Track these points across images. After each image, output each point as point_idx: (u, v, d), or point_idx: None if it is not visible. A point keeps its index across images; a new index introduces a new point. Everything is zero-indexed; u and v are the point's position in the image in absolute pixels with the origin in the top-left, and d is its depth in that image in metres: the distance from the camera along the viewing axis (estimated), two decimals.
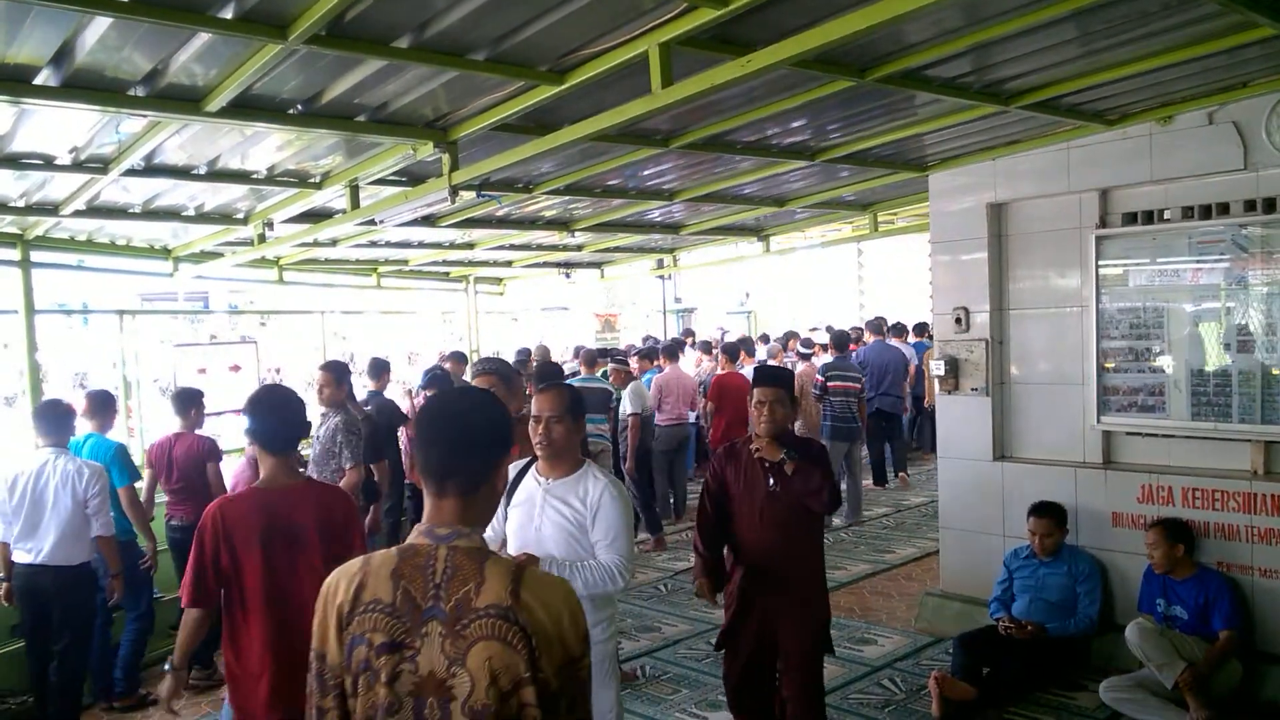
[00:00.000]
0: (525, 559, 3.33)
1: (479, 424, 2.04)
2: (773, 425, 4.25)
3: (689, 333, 15.71)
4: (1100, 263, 5.74)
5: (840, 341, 10.61)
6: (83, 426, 6.01)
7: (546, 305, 15.57)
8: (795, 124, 5.51)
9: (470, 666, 1.84)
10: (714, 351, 13.24)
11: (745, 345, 11.67)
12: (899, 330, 13.08)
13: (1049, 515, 5.69)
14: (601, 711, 3.55)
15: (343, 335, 13.11)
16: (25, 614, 5.49)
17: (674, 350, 10.76)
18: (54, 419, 5.50)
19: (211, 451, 6.35)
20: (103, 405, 6.16)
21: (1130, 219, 5.70)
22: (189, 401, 6.45)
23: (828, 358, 10.87)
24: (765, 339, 15.00)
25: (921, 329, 13.78)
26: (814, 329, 16.61)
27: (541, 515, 3.58)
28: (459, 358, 10.08)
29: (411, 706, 1.86)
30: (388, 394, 8.52)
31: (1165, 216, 5.57)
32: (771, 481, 4.25)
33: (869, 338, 12.05)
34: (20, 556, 5.35)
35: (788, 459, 4.17)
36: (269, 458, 3.46)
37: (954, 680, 5.22)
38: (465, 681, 1.84)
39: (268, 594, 3.30)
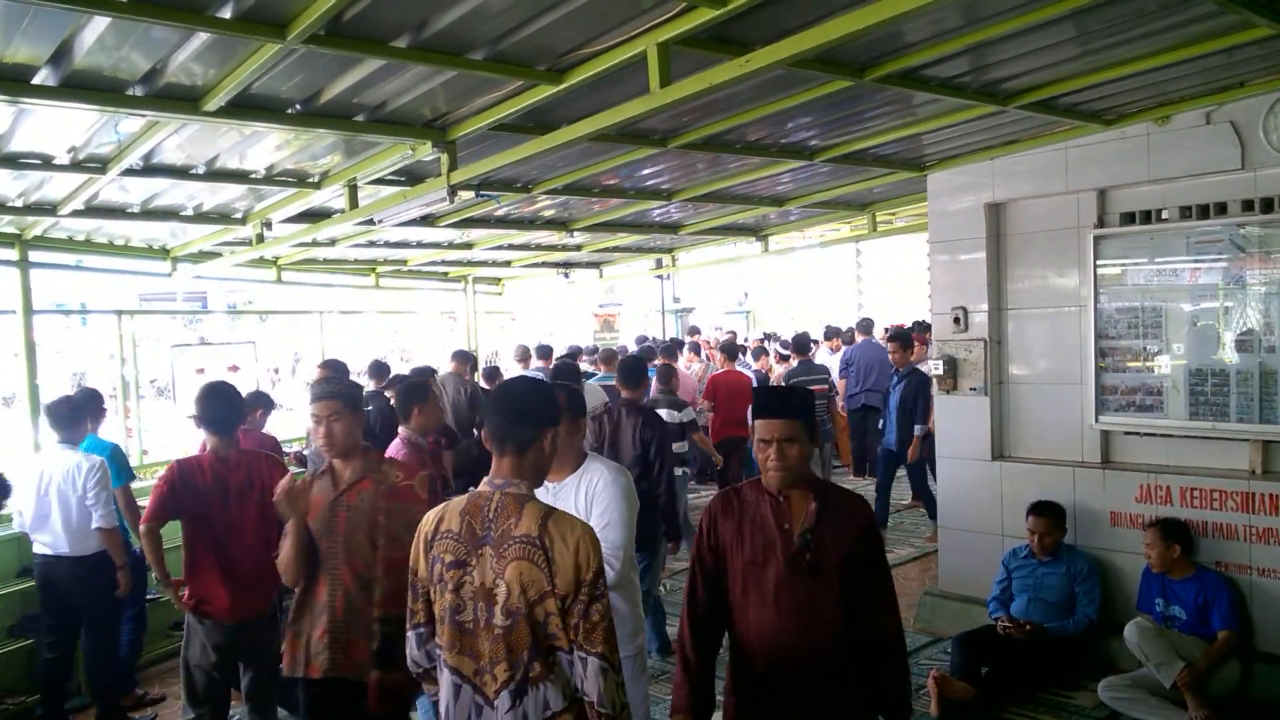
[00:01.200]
0: None
1: (530, 401, 2.71)
2: (785, 472, 2.94)
3: (694, 330, 15.65)
4: (1098, 262, 5.75)
5: (801, 345, 10.88)
6: None
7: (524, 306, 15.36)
8: (794, 123, 5.51)
9: (507, 579, 2.51)
10: (703, 352, 13.25)
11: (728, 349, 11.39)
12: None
13: (1048, 514, 5.69)
14: (635, 703, 3.54)
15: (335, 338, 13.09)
16: (45, 605, 5.60)
17: (672, 350, 10.76)
18: (64, 415, 5.59)
19: (275, 449, 6.44)
20: (91, 405, 6.14)
21: (1128, 219, 5.71)
22: (255, 403, 6.65)
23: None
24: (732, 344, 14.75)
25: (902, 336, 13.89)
26: (768, 333, 16.74)
27: None
28: (463, 357, 10.07)
29: (470, 608, 2.57)
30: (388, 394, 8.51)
31: (1163, 216, 5.57)
32: (794, 546, 2.96)
33: (858, 337, 12.30)
34: (38, 548, 5.52)
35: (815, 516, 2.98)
36: (214, 438, 4.47)
37: (953, 680, 5.23)
38: (503, 590, 2.51)
39: (215, 528, 4.38)
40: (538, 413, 2.69)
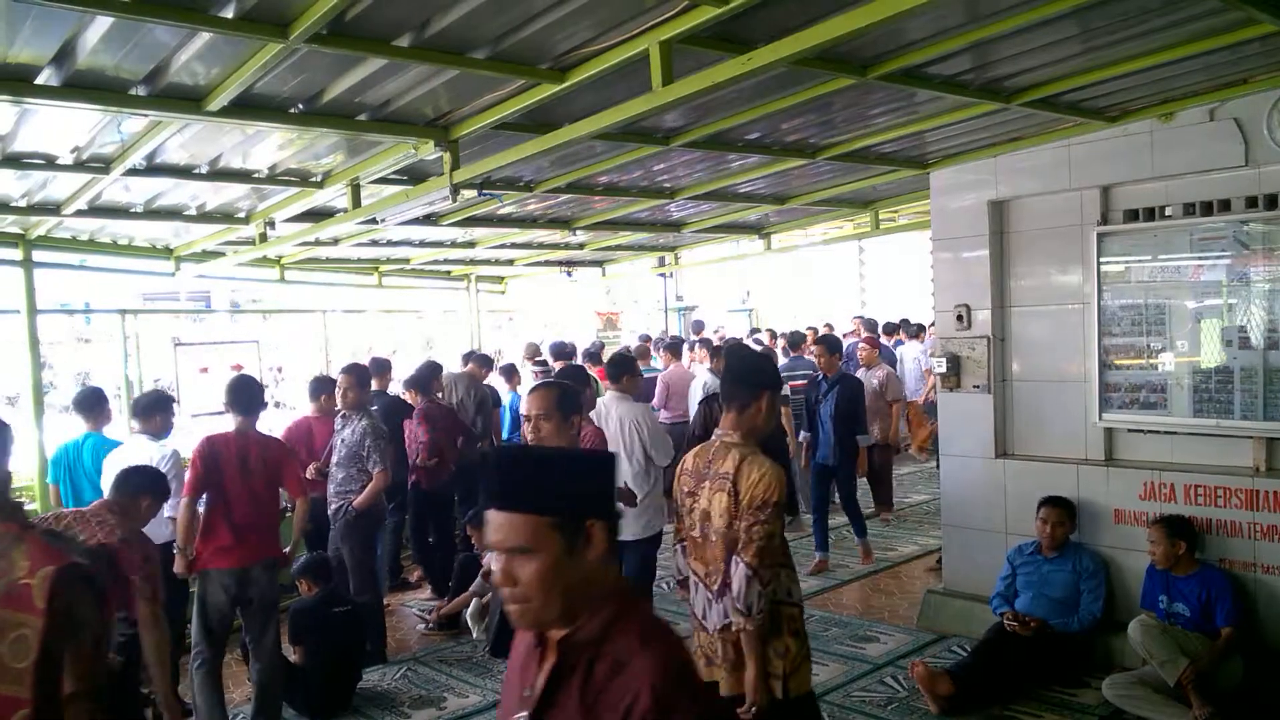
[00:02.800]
0: None
1: (751, 369, 3.50)
2: (518, 607, 1.77)
3: (699, 325, 15.58)
4: (1102, 259, 5.74)
5: (794, 342, 11.09)
6: (78, 426, 6.01)
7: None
8: (796, 121, 5.50)
9: (714, 504, 3.34)
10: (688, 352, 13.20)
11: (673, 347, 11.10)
12: (890, 329, 13.95)
13: (1061, 505, 5.72)
14: None
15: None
16: None
17: (676, 347, 10.75)
18: (144, 407, 5.93)
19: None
20: (95, 404, 6.17)
21: (1132, 216, 5.70)
22: (321, 387, 7.36)
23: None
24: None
25: (891, 330, 14.04)
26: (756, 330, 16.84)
27: None
28: (482, 360, 10.03)
29: (699, 527, 3.43)
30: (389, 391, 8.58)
31: (1166, 213, 5.56)
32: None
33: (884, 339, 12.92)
34: None
35: None
36: (240, 418, 5.30)
37: (933, 674, 5.22)
38: (712, 512, 3.35)
39: (230, 493, 5.16)
40: (756, 379, 3.43)
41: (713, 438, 3.47)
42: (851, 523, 8.41)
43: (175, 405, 6.08)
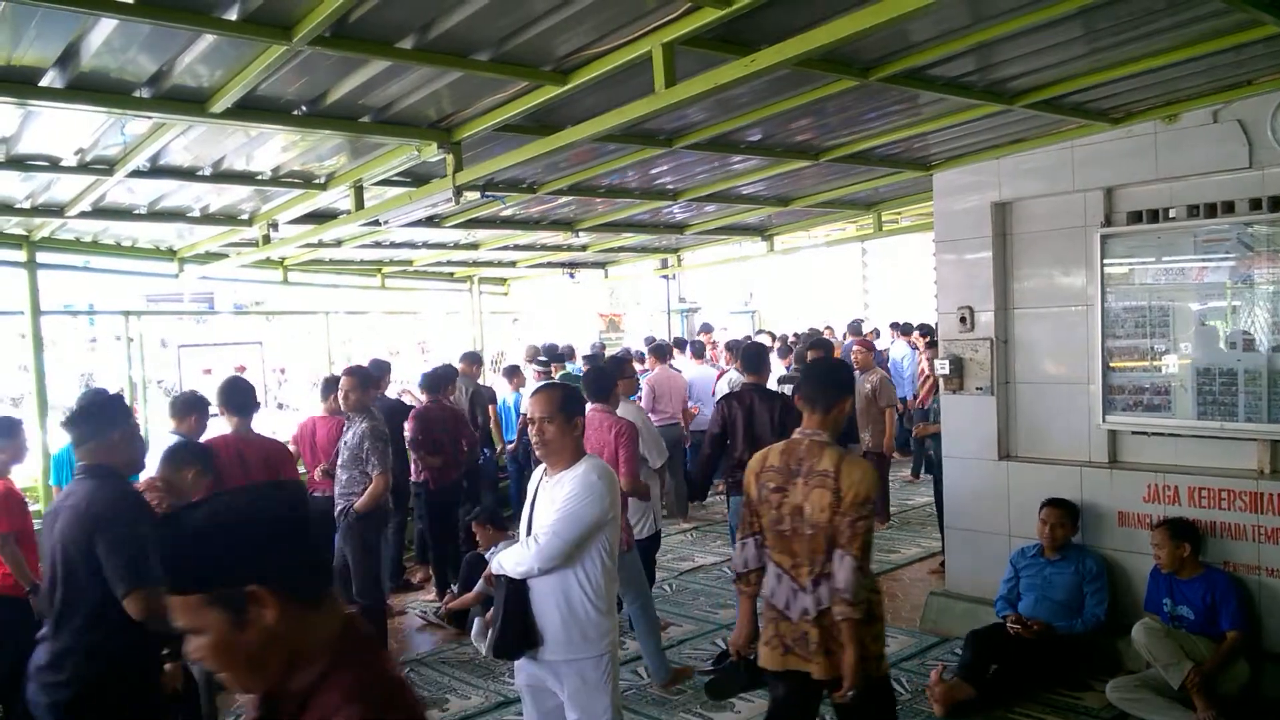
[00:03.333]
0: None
1: (835, 376, 3.84)
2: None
3: (707, 328, 15.56)
4: (1105, 261, 5.73)
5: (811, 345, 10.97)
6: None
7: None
8: (799, 123, 5.50)
9: (811, 499, 3.55)
10: (708, 353, 13.21)
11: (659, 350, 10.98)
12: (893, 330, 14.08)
13: (1062, 506, 5.72)
14: (595, 715, 3.57)
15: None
16: None
17: (663, 351, 10.71)
18: (180, 408, 5.88)
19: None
20: (202, 405, 6.21)
21: (1135, 217, 5.69)
22: (330, 387, 7.35)
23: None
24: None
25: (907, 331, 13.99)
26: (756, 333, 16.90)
27: (540, 501, 3.69)
28: (471, 358, 10.10)
29: (787, 521, 3.62)
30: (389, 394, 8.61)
31: (1170, 215, 5.55)
32: None
33: (849, 338, 12.94)
34: None
35: None
36: (236, 418, 5.51)
37: (950, 684, 5.21)
38: (808, 507, 3.55)
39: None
40: (842, 383, 3.78)
41: (797, 436, 3.69)
42: None
43: (210, 406, 6.02)
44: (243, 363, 10.48)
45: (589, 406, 5.84)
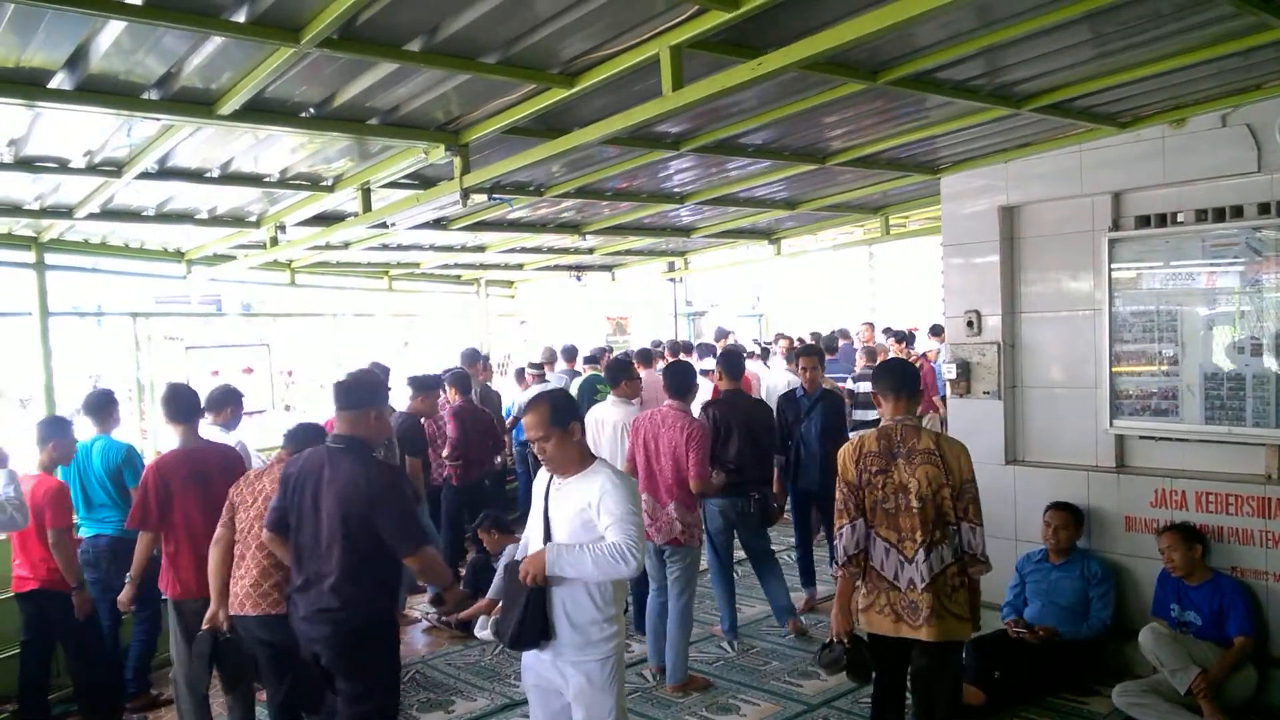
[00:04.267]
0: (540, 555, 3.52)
1: (908, 370, 4.37)
2: None
3: (722, 333, 15.51)
4: (1113, 266, 5.72)
5: (829, 345, 11.58)
6: (87, 429, 6.04)
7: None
8: (806, 127, 5.50)
9: (917, 476, 3.99)
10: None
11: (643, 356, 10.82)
12: (900, 337, 13.98)
13: (1066, 510, 5.71)
14: (600, 716, 3.56)
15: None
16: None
17: (648, 356, 10.69)
18: (217, 400, 6.01)
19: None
20: (104, 406, 6.16)
21: (1143, 222, 5.68)
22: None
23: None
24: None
25: (902, 338, 14.04)
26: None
27: (551, 506, 3.67)
28: (472, 356, 10.11)
29: (892, 499, 4.03)
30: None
31: (1178, 219, 5.54)
32: None
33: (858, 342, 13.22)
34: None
35: None
36: (180, 425, 5.11)
37: (963, 684, 5.20)
38: (914, 483, 3.99)
39: (192, 514, 4.94)
40: (911, 376, 4.25)
41: (889, 423, 4.12)
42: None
43: (244, 398, 6.20)
44: (250, 365, 10.48)
45: (666, 403, 5.92)
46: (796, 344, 13.14)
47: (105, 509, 5.96)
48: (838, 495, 4.16)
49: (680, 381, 5.96)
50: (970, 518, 3.99)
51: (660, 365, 10.86)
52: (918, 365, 7.92)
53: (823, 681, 5.69)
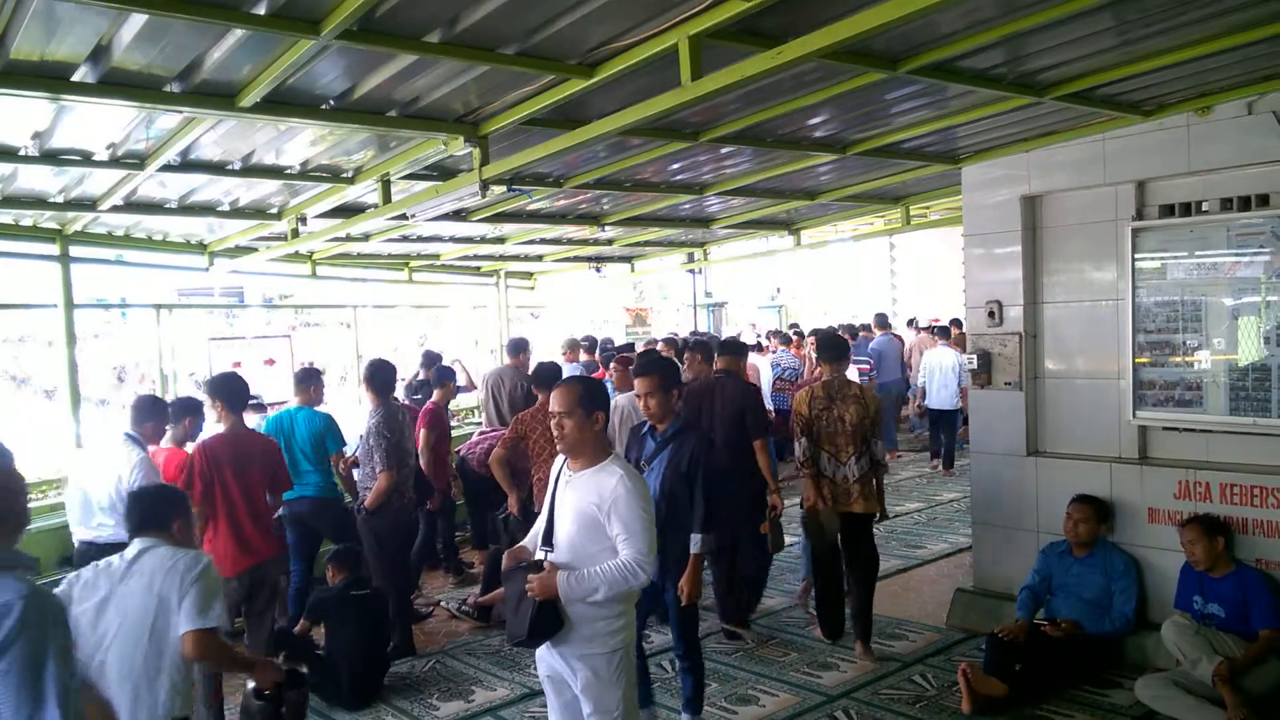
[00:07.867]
0: (548, 569, 3.54)
1: (839, 343, 6.45)
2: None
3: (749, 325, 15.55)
4: (1136, 255, 5.67)
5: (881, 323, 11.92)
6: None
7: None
8: (826, 116, 5.48)
9: (850, 412, 5.91)
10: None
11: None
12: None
13: (1089, 503, 5.68)
14: (608, 709, 3.56)
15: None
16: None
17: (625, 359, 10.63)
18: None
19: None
20: (306, 381, 7.01)
21: (1167, 211, 5.62)
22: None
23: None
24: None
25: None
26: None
27: (560, 501, 3.67)
28: (518, 347, 10.08)
29: (834, 425, 5.94)
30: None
31: (1203, 208, 5.48)
32: None
33: (877, 331, 13.82)
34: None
35: None
36: (231, 415, 5.46)
37: (984, 675, 5.18)
38: (847, 415, 5.92)
39: (232, 493, 5.36)
40: (845, 348, 6.36)
41: (829, 379, 6.08)
42: None
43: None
44: (272, 355, 10.54)
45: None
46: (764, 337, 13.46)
47: (308, 474, 6.68)
48: (794, 425, 6.12)
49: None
50: (877, 435, 6.01)
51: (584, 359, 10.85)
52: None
53: (842, 674, 5.70)
